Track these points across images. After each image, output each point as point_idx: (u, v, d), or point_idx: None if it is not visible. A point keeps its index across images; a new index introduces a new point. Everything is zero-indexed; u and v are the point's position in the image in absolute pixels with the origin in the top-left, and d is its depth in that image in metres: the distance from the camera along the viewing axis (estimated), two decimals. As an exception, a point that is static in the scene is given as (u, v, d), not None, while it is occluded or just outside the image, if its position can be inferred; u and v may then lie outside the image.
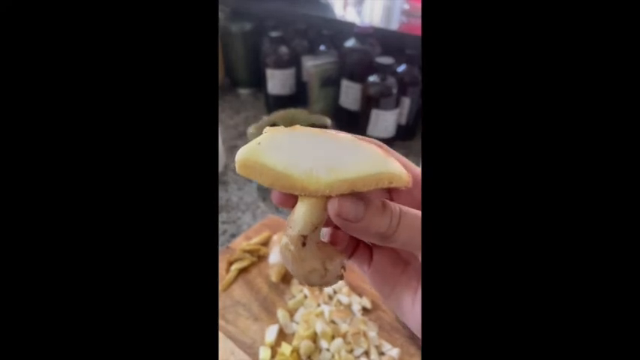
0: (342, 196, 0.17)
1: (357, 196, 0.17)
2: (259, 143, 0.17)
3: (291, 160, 0.17)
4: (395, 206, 0.18)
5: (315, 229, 0.18)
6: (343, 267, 0.21)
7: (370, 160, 0.17)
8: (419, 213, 0.18)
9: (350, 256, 0.22)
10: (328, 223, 0.20)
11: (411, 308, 0.20)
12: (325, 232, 0.21)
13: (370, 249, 0.22)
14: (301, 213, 0.18)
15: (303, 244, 0.18)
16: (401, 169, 0.17)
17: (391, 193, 0.21)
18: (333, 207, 0.17)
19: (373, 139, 0.19)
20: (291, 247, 0.19)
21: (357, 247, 0.22)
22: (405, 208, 0.18)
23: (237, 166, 0.18)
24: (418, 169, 0.20)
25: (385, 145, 0.19)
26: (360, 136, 0.18)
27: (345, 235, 0.21)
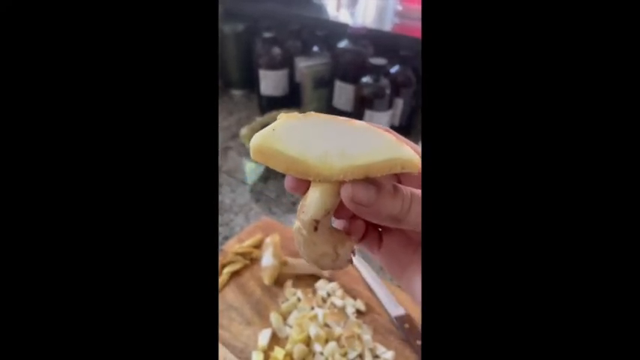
0: (354, 181, 0.17)
1: (369, 180, 0.18)
2: (274, 129, 0.18)
3: (305, 145, 0.17)
4: (406, 189, 0.19)
5: (328, 213, 0.19)
6: (353, 251, 0.21)
7: (384, 146, 0.17)
8: None
9: (359, 240, 0.22)
10: (344, 214, 0.21)
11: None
12: (339, 224, 0.22)
13: (379, 232, 0.23)
14: (314, 198, 0.18)
15: (315, 229, 0.19)
16: (413, 154, 0.17)
17: (400, 176, 0.22)
18: (346, 192, 0.18)
19: (385, 127, 0.19)
20: (304, 232, 0.19)
21: (366, 230, 0.22)
22: (416, 191, 0.19)
23: (251, 152, 0.18)
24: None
25: (395, 132, 0.19)
26: (374, 124, 0.18)
27: (361, 225, 0.21)
